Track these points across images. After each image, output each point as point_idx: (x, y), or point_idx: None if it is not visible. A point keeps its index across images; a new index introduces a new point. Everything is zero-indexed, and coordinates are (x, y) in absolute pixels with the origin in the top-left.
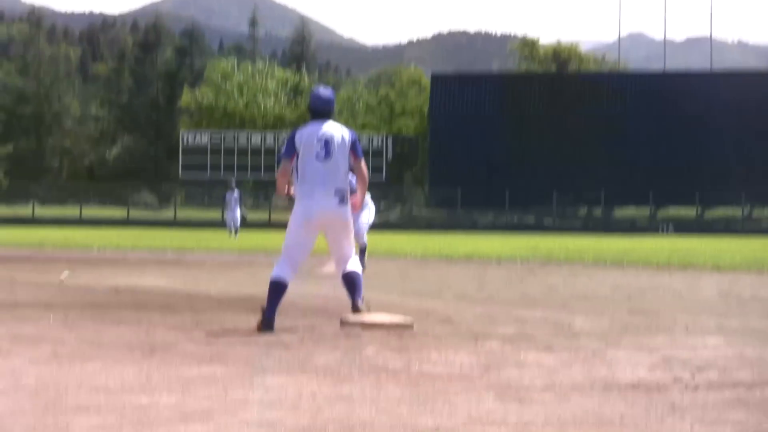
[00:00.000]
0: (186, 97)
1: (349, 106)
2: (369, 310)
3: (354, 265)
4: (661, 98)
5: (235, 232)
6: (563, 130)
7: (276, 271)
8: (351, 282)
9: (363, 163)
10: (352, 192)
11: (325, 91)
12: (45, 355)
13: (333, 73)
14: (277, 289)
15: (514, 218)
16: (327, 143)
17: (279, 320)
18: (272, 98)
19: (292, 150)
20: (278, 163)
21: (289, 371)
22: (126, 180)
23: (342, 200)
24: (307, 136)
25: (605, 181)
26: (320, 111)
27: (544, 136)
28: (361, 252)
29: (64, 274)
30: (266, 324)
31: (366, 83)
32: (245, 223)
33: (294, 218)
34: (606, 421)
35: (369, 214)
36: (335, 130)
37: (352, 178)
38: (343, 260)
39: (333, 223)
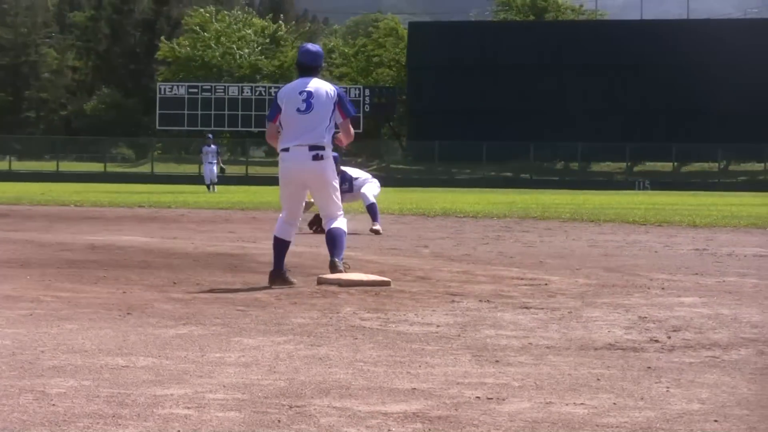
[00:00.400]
0: (163, 50)
1: (326, 57)
2: (348, 269)
3: (339, 222)
4: (639, 48)
5: (213, 186)
6: (541, 81)
7: (277, 228)
8: (332, 239)
9: (350, 124)
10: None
11: (312, 47)
12: (22, 315)
13: (310, 22)
14: (279, 245)
15: (491, 172)
16: (309, 96)
17: (256, 278)
18: (249, 48)
19: (275, 111)
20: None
21: (265, 332)
22: (103, 133)
23: (317, 157)
24: (290, 90)
25: (582, 135)
26: (307, 67)
27: (521, 88)
28: (372, 209)
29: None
30: (273, 277)
31: (343, 32)
32: (223, 178)
33: (279, 176)
34: (582, 383)
35: (372, 187)
36: (320, 85)
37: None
38: (327, 217)
39: (310, 180)
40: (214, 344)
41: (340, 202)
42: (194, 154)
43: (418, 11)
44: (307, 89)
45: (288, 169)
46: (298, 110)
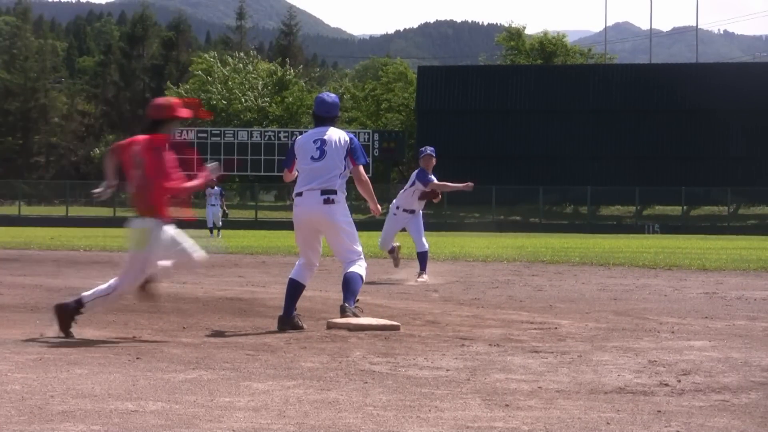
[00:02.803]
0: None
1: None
2: (362, 313)
3: (357, 267)
4: (648, 92)
5: (218, 231)
6: (550, 124)
7: (294, 270)
8: (346, 283)
9: (362, 169)
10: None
11: (328, 98)
12: (31, 359)
13: (319, 66)
14: (293, 288)
15: (500, 216)
16: (323, 144)
17: (265, 322)
18: (256, 92)
19: (290, 160)
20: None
21: (275, 376)
22: None
23: (327, 201)
24: (305, 140)
25: (591, 179)
26: (323, 117)
27: (530, 132)
28: (422, 257)
29: None
30: (283, 321)
31: (353, 76)
32: (231, 222)
33: (293, 221)
34: (592, 427)
35: (417, 223)
36: (333, 133)
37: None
38: (343, 261)
39: (320, 224)
40: (223, 389)
41: (358, 246)
42: (202, 198)
43: (427, 56)
44: (321, 138)
45: (299, 213)
46: (312, 158)
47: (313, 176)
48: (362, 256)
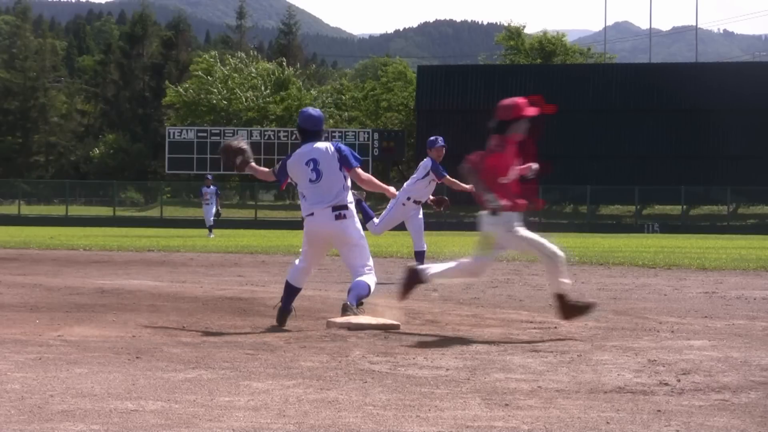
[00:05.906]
0: (169, 96)
1: (336, 97)
2: (362, 312)
3: (366, 278)
4: (647, 91)
5: (211, 230)
6: (549, 123)
7: (291, 274)
8: (353, 287)
9: (359, 170)
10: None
11: (315, 112)
12: (31, 359)
13: (318, 66)
14: (289, 289)
15: None
16: (315, 164)
17: (264, 322)
18: (256, 91)
19: (282, 177)
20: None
21: (275, 376)
22: (112, 177)
23: (339, 216)
24: (297, 161)
25: (591, 178)
26: (309, 131)
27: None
28: (419, 256)
29: None
30: (280, 317)
31: (352, 76)
32: (223, 221)
33: (304, 235)
34: (591, 426)
35: (418, 221)
36: (321, 148)
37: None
38: (353, 273)
39: (333, 239)
40: (223, 388)
41: (369, 261)
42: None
43: (427, 55)
44: (311, 158)
45: (313, 230)
46: (311, 180)
47: (319, 196)
48: (373, 270)
